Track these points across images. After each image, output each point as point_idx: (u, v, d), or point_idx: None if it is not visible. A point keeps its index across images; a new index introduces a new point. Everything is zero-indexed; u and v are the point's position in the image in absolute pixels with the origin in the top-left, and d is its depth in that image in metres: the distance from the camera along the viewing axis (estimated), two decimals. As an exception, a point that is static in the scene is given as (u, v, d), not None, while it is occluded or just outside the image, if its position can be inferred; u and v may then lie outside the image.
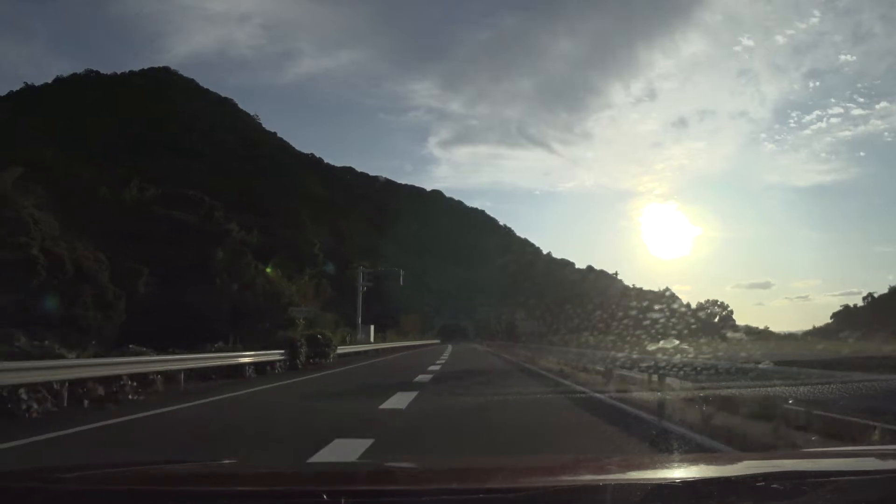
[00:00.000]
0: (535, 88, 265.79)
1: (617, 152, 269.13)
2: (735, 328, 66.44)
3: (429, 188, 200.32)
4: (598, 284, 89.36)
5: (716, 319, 72.88)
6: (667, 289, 79.66)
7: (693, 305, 74.91)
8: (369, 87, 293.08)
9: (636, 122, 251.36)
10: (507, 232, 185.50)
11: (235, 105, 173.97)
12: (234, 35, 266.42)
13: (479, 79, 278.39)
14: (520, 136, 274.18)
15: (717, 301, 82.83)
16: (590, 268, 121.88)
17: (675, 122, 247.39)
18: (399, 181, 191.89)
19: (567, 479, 1.77)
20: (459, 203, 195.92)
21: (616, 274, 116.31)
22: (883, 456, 1.98)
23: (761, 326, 70.61)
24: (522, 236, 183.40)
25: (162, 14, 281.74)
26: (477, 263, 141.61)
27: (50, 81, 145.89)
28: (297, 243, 47.24)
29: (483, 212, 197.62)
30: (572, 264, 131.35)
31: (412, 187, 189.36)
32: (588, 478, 1.78)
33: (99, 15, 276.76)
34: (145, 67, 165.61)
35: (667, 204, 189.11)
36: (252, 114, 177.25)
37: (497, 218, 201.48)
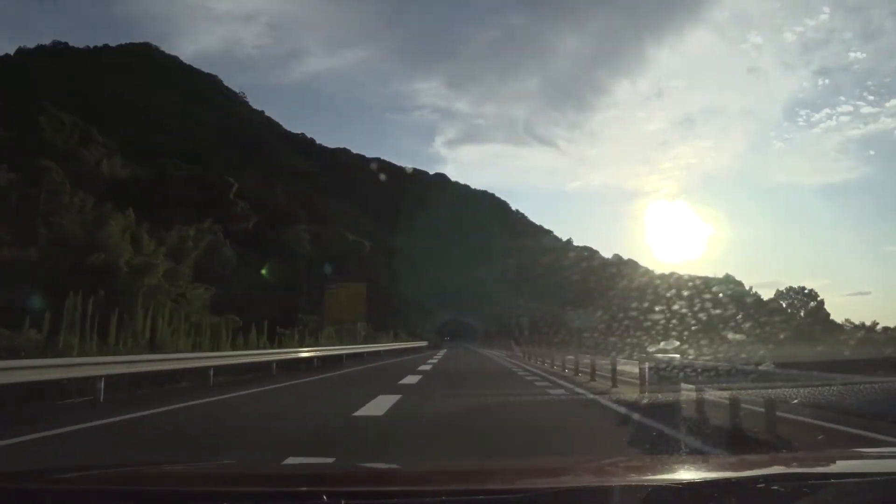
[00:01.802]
0: (542, 87, 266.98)
1: (624, 151, 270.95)
2: (826, 321, 55.33)
3: (431, 172, 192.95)
4: (636, 274, 71.08)
5: (801, 313, 63.28)
6: (726, 275, 66.93)
7: (765, 297, 64.17)
8: (375, 87, 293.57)
9: (643, 120, 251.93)
10: (521, 218, 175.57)
11: (220, 82, 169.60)
12: (239, 35, 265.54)
13: (486, 78, 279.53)
14: (527, 136, 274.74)
15: (803, 289, 67.37)
16: (617, 257, 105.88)
17: (683, 121, 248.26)
18: (397, 163, 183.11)
19: (567, 480, 1.81)
20: (465, 187, 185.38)
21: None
22: (883, 458, 2.01)
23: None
24: (538, 223, 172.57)
25: (167, 15, 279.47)
26: (487, 252, 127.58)
27: (12, 53, 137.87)
28: (205, 186, 32.84)
29: (493, 195, 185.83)
30: (596, 252, 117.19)
31: (414, 170, 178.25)
32: (588, 479, 1.81)
33: (104, 15, 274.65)
34: (123, 43, 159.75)
35: (674, 203, 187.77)
36: (238, 91, 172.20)
37: (509, 202, 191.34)
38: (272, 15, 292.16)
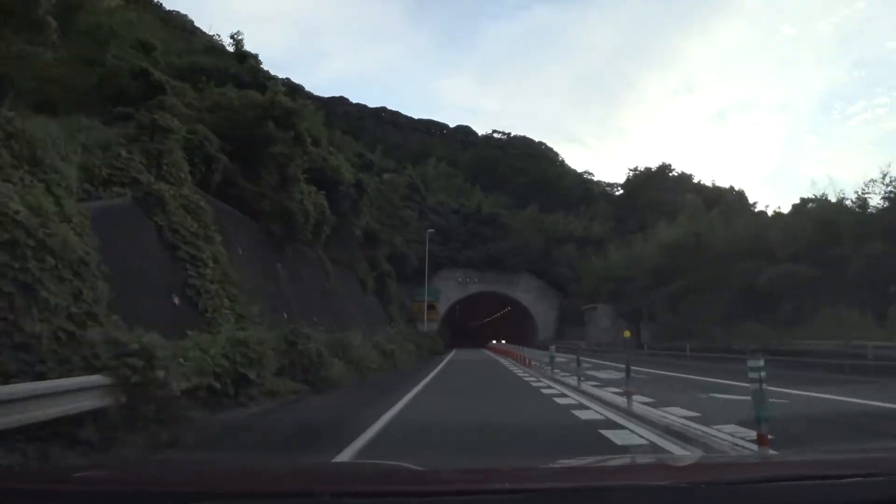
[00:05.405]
0: (569, 83, 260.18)
1: (654, 147, 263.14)
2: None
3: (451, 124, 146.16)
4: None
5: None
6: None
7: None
8: (401, 86, 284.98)
9: (673, 115, 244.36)
10: (576, 173, 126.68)
11: (198, 29, 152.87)
12: (263, 37, 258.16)
13: (513, 75, 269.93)
14: (554, 133, 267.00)
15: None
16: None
17: (714, 116, 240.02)
18: (410, 114, 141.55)
19: (570, 480, 1.87)
20: (499, 139, 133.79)
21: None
22: (886, 457, 2.07)
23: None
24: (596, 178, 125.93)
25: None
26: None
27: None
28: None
29: (545, 145, 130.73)
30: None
31: (431, 122, 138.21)
32: (590, 480, 1.88)
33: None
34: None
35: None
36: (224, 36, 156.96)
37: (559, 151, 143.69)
38: (295, 16, 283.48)
